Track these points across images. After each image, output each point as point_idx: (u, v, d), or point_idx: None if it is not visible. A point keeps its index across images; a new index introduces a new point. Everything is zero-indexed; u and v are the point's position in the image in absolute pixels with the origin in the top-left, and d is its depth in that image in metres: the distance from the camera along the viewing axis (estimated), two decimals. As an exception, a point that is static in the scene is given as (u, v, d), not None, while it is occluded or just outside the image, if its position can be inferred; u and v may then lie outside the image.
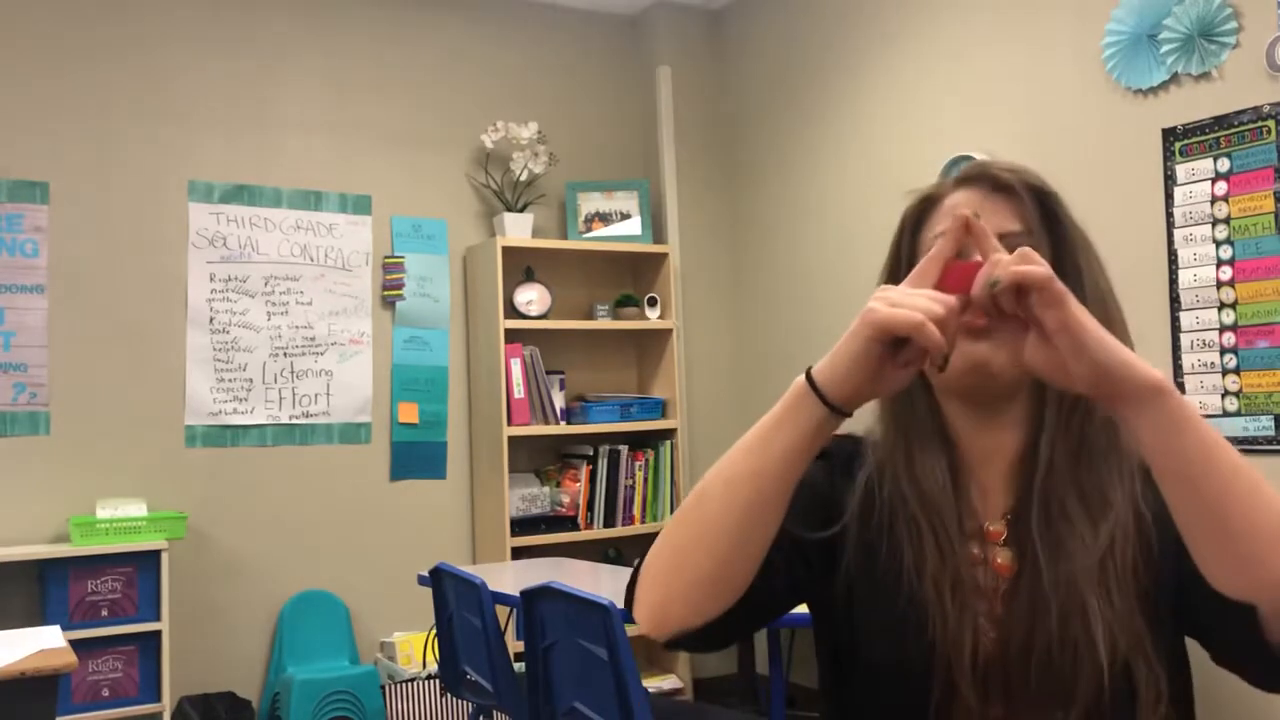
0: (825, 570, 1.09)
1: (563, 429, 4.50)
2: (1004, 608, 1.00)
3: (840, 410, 0.90)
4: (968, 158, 3.63)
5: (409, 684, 3.96)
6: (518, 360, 4.38)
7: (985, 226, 0.92)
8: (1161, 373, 0.84)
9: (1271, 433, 2.97)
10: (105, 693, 3.63)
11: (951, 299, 0.88)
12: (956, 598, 0.99)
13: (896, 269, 1.12)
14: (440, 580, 3.13)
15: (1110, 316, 1.03)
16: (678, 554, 0.95)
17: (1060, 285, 0.84)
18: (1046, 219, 1.07)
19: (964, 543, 1.03)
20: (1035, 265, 0.85)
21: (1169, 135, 3.17)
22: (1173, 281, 3.15)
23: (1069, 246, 1.07)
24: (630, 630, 2.34)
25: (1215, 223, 3.08)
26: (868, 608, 1.05)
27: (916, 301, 0.86)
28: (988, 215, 1.04)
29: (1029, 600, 0.98)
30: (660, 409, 4.69)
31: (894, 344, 0.87)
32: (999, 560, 1.04)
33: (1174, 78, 3.17)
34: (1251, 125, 2.99)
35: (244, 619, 4.08)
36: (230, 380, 4.11)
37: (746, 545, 0.94)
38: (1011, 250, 1.00)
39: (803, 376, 0.91)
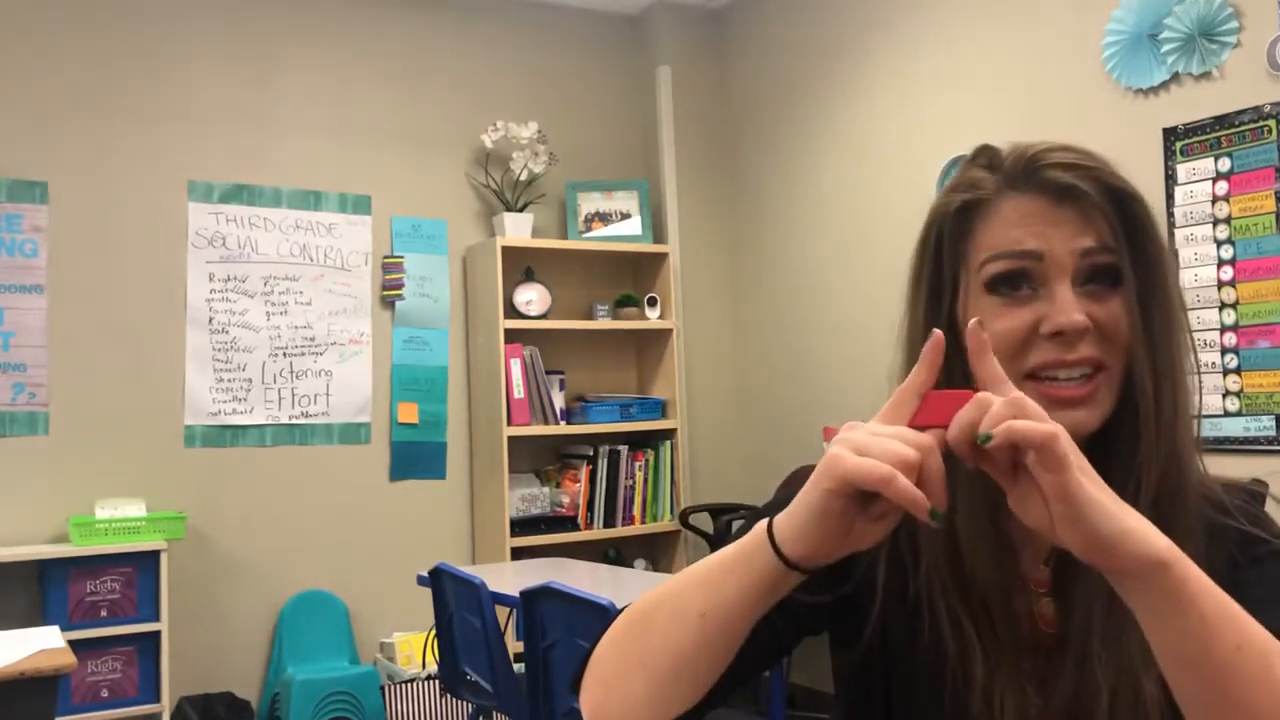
0: (846, 633, 0.96)
1: (563, 429, 4.50)
2: (1051, 666, 0.89)
3: (797, 568, 0.77)
4: (968, 157, 3.62)
5: (409, 684, 3.96)
6: (517, 360, 4.37)
7: (987, 343, 0.76)
8: (1168, 543, 0.71)
9: (1272, 433, 2.97)
10: (104, 693, 3.63)
11: (928, 439, 0.73)
12: (1007, 712, 0.88)
13: (938, 289, 0.93)
14: (440, 580, 3.13)
15: (1177, 360, 0.89)
16: (621, 666, 0.87)
17: (1064, 446, 0.70)
18: (1129, 229, 0.88)
19: (1008, 615, 0.90)
20: (1033, 419, 0.71)
21: (1170, 135, 3.17)
22: (1173, 281, 3.15)
23: (1155, 267, 0.88)
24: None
25: (1216, 222, 3.07)
26: (908, 695, 0.94)
27: (886, 447, 0.72)
28: (1055, 226, 0.88)
29: (1076, 673, 0.87)
30: (660, 409, 4.68)
31: (863, 497, 0.73)
32: (1043, 611, 0.91)
33: (1175, 77, 3.17)
34: (1252, 125, 2.99)
35: (244, 619, 4.07)
36: (229, 380, 4.10)
37: (688, 678, 0.84)
38: (1095, 273, 0.88)
39: (764, 523, 0.79)
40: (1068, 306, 0.86)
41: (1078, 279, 0.87)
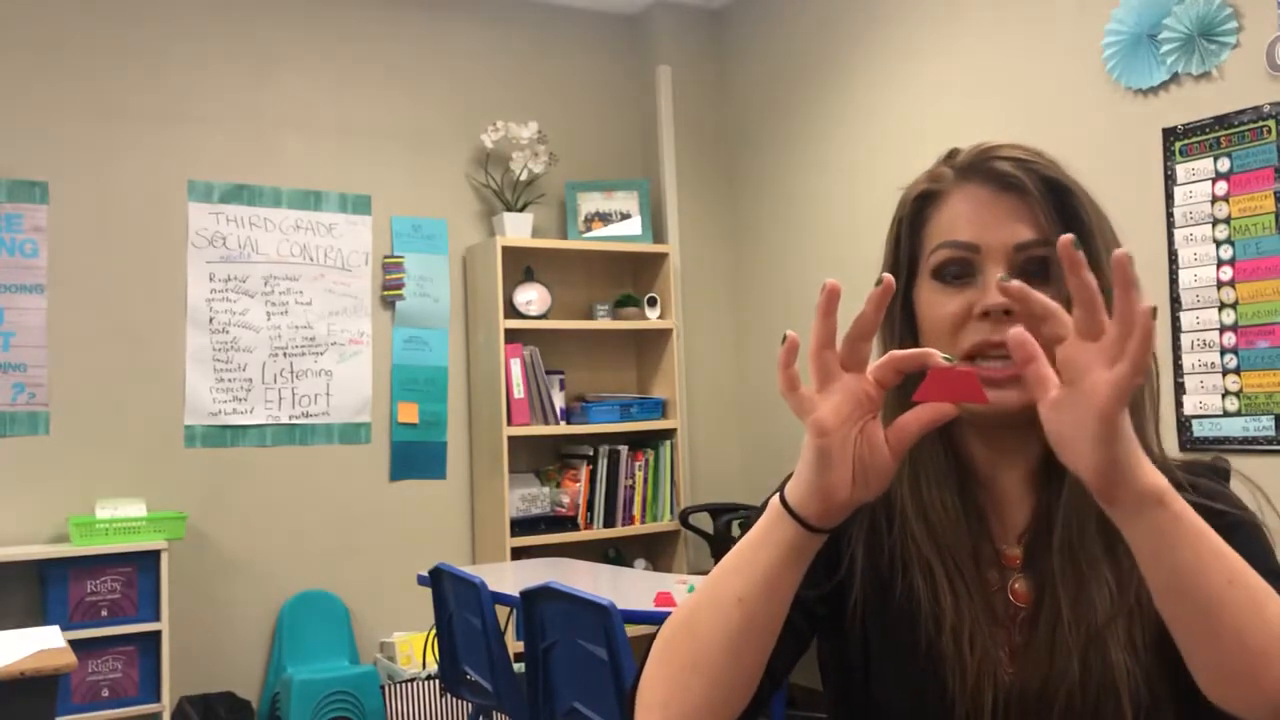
0: (834, 617, 1.01)
1: (563, 429, 4.50)
2: (1022, 638, 0.94)
3: (816, 528, 0.84)
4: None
5: (409, 684, 3.96)
6: (517, 360, 4.37)
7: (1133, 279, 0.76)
8: (1163, 481, 0.76)
9: (1272, 433, 2.97)
10: (105, 693, 3.63)
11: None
12: (975, 650, 0.92)
13: (896, 272, 1.01)
14: (440, 580, 3.13)
15: None
16: (672, 678, 0.90)
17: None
18: (1068, 223, 0.94)
19: (980, 578, 0.95)
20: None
21: (1169, 135, 3.17)
22: (1173, 281, 3.15)
23: (1094, 260, 0.89)
24: (630, 631, 2.34)
25: (1215, 223, 3.07)
26: (884, 654, 0.98)
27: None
28: (996, 219, 0.95)
29: (1048, 643, 0.91)
30: (660, 409, 4.69)
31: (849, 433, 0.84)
32: (1016, 587, 0.96)
33: (1174, 77, 3.17)
34: (1252, 125, 2.99)
35: (243, 619, 4.07)
36: (230, 380, 4.10)
37: (740, 668, 0.88)
38: (1028, 265, 0.93)
39: (776, 496, 0.86)
40: (994, 289, 0.92)
41: (1013, 270, 0.93)
